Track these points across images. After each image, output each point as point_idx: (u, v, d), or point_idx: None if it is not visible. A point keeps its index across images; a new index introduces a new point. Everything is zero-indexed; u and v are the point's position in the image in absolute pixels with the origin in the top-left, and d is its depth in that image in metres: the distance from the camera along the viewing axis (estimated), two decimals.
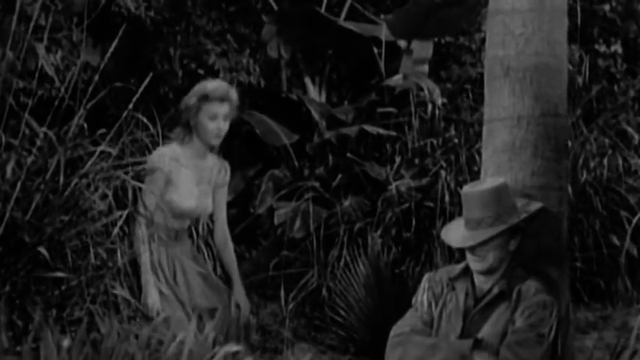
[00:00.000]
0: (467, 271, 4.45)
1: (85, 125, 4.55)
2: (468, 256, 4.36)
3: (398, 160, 7.12)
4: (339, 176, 7.16)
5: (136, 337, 3.37)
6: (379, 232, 6.78)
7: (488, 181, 4.43)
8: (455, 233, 4.41)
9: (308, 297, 6.83)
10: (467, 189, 4.41)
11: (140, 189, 4.70)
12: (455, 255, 6.82)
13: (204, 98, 4.95)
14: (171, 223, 4.93)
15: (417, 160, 7.22)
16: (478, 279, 4.39)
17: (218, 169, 5.09)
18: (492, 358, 4.23)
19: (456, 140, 7.16)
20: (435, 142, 7.18)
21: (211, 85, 5.04)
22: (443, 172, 6.93)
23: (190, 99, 4.97)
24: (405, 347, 4.36)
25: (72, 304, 4.22)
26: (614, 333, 6.70)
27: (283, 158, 7.51)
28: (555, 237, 4.56)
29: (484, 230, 4.28)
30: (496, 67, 4.62)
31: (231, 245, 5.18)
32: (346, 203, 7.05)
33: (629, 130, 7.85)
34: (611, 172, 7.49)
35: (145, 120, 4.90)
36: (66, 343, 2.73)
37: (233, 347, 2.73)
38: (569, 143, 6.45)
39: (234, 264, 5.16)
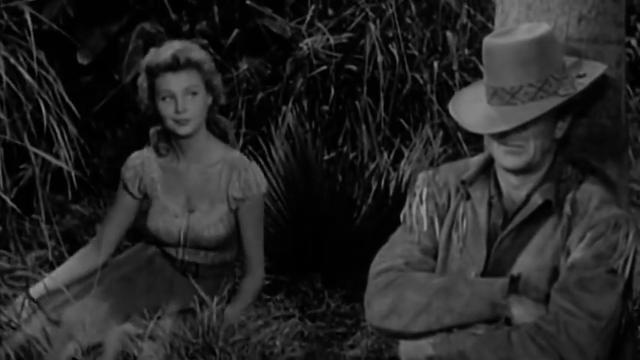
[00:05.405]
0: (487, 169, 2.89)
1: None
2: (496, 146, 2.78)
3: (312, 10, 5.57)
4: (235, 32, 5.59)
5: None
6: (289, 104, 5.32)
7: (524, 28, 2.82)
8: (473, 110, 2.82)
9: None
10: (491, 40, 2.79)
11: None
12: (383, 133, 5.43)
13: (151, 72, 3.70)
14: None
15: (330, 11, 5.73)
16: (507, 182, 2.83)
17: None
18: (538, 307, 2.70)
19: None
20: None
21: (156, 50, 3.76)
22: (371, 26, 5.41)
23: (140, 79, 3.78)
24: (401, 291, 2.79)
25: None
26: None
27: (154, 9, 5.95)
28: (612, 115, 3.02)
29: (523, 106, 2.70)
30: None
31: None
32: (243, 67, 5.61)
33: None
34: None
35: None
36: None
37: None
38: None
39: None
